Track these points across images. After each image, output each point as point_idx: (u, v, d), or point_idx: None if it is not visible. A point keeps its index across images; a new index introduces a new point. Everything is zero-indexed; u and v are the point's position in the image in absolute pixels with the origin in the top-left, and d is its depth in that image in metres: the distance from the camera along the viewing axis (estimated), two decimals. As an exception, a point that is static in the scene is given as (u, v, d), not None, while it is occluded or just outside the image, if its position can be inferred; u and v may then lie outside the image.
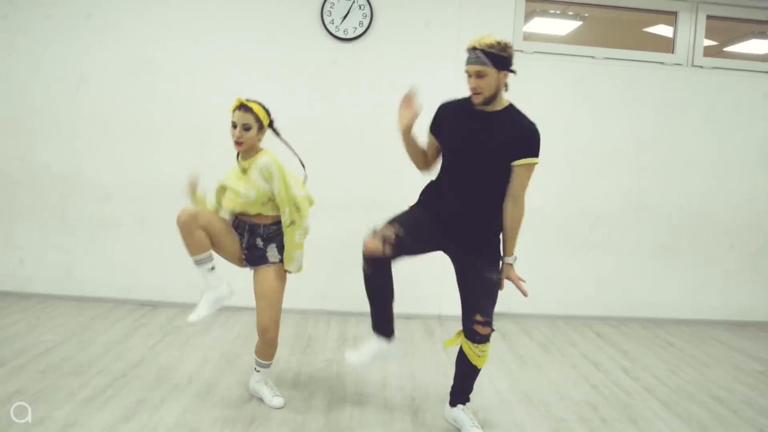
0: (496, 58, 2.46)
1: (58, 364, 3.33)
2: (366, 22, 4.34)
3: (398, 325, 4.28)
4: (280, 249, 2.88)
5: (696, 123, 4.73)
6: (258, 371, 3.08)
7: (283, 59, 4.41)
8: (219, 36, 4.40)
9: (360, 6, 4.32)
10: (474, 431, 2.77)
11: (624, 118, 4.68)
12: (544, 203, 4.68)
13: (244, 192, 2.80)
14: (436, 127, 2.74)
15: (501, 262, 2.76)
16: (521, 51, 4.59)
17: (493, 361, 3.75)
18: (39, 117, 4.45)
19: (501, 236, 2.73)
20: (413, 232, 2.65)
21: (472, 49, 2.48)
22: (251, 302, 3.16)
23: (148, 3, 4.39)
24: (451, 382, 2.91)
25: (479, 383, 3.31)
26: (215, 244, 2.87)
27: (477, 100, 2.52)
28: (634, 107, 4.68)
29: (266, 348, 2.98)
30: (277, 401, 2.98)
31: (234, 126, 2.77)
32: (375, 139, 4.43)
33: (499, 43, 2.46)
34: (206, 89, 4.41)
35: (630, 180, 4.73)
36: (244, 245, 2.90)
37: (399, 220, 2.68)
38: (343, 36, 4.35)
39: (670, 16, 4.83)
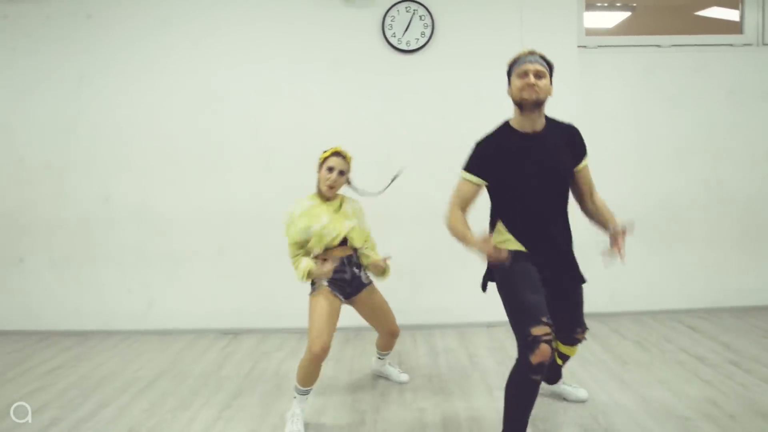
0: (550, 66, 2.60)
1: (161, 400, 3.32)
2: (428, 32, 4.31)
3: (484, 334, 4.27)
4: (363, 271, 3.17)
5: (771, 103, 4.60)
6: (382, 359, 3.53)
7: (346, 75, 4.40)
8: (281, 56, 4.40)
9: (420, 17, 4.29)
10: (581, 392, 3.13)
11: (696, 105, 4.56)
12: (621, 199, 4.54)
13: (348, 224, 3.05)
14: (481, 169, 2.60)
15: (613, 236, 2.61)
16: (585, 46, 4.52)
17: (594, 364, 3.67)
18: (110, 156, 4.51)
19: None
20: (536, 289, 2.49)
21: (530, 53, 2.57)
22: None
23: (211, 33, 4.42)
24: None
25: (589, 388, 3.26)
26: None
27: (532, 96, 2.49)
28: (705, 93, 4.56)
29: (392, 343, 3.40)
30: (404, 377, 3.49)
31: (330, 170, 3.02)
32: (446, 149, 4.38)
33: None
34: (272, 112, 4.42)
35: (707, 168, 4.60)
36: (348, 279, 3.08)
37: (532, 302, 2.42)
38: (405, 48, 4.32)
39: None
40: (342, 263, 3.05)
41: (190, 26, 4.43)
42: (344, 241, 3.07)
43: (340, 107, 4.39)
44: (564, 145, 2.63)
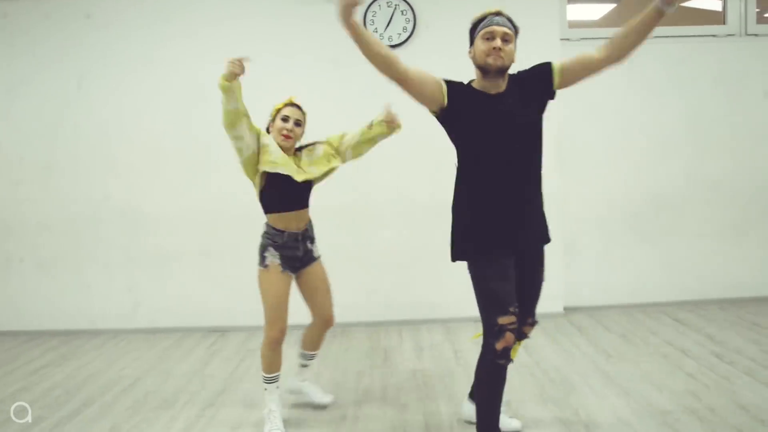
0: (516, 29, 2.37)
1: (144, 399, 3.32)
2: (409, 27, 4.29)
3: (471, 329, 4.27)
4: (315, 245, 2.96)
5: (756, 93, 4.58)
6: (306, 366, 3.14)
7: (330, 71, 4.39)
8: (265, 54, 4.35)
9: (402, 12, 4.28)
10: (514, 422, 2.75)
11: (681, 96, 4.56)
12: (608, 192, 4.61)
13: (315, 171, 2.87)
14: (452, 91, 2.39)
15: None
16: (567, 39, 4.51)
17: (577, 357, 3.67)
18: (101, 156, 4.52)
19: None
20: (506, 277, 2.38)
21: (497, 13, 2.33)
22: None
23: (197, 31, 4.43)
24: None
25: (572, 382, 3.25)
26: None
27: (497, 62, 2.28)
28: (690, 84, 4.55)
29: (323, 336, 3.08)
30: (328, 398, 3.13)
31: (285, 120, 2.85)
32: (430, 145, 4.35)
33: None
34: (257, 109, 4.37)
35: (693, 159, 4.59)
36: (301, 255, 2.87)
37: (500, 291, 2.36)
38: (388, 43, 4.28)
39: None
40: (295, 240, 2.83)
41: (180, 24, 4.43)
42: (304, 204, 2.90)
43: (324, 103, 4.34)
44: (528, 90, 2.40)
